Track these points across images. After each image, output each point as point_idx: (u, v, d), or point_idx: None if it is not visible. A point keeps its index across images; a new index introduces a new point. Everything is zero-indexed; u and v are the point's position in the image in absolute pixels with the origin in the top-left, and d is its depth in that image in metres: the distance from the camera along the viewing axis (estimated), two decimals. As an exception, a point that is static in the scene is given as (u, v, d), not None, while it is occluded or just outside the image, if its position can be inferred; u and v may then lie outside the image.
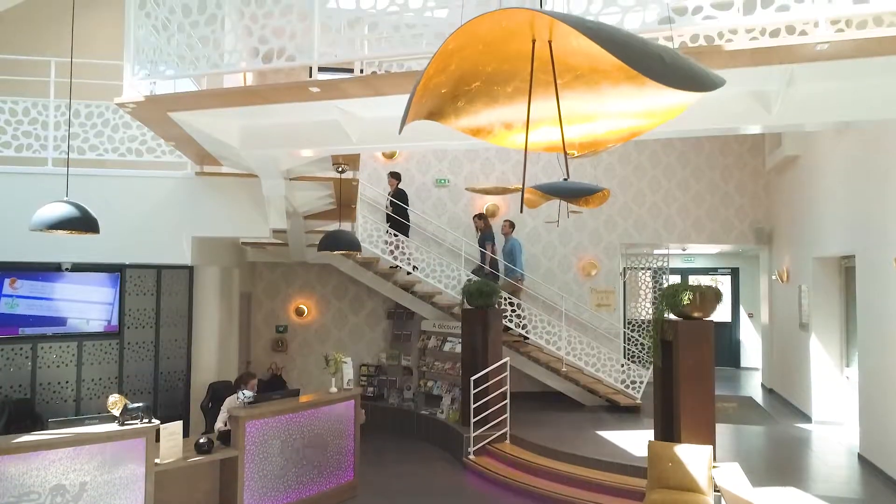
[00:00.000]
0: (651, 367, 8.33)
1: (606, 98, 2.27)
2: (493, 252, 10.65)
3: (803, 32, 3.18)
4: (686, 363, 6.58)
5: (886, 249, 6.97)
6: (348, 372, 7.41)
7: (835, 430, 8.94)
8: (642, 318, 14.13)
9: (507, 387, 8.68)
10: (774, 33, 3.55)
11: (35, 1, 7.05)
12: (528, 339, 10.21)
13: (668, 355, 6.85)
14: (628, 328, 13.36)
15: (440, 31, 3.87)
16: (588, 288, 11.84)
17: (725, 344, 15.48)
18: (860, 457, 7.61)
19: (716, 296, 6.76)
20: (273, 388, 10.64)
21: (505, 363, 8.76)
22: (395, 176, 10.70)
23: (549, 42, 2.06)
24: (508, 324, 9.95)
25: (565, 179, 4.78)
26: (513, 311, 10.08)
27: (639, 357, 12.15)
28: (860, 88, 3.74)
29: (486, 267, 10.44)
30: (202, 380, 7.91)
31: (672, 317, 6.90)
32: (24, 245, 6.35)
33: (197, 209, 6.57)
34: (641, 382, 10.33)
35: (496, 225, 11.12)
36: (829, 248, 8.93)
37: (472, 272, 10.33)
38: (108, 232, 6.32)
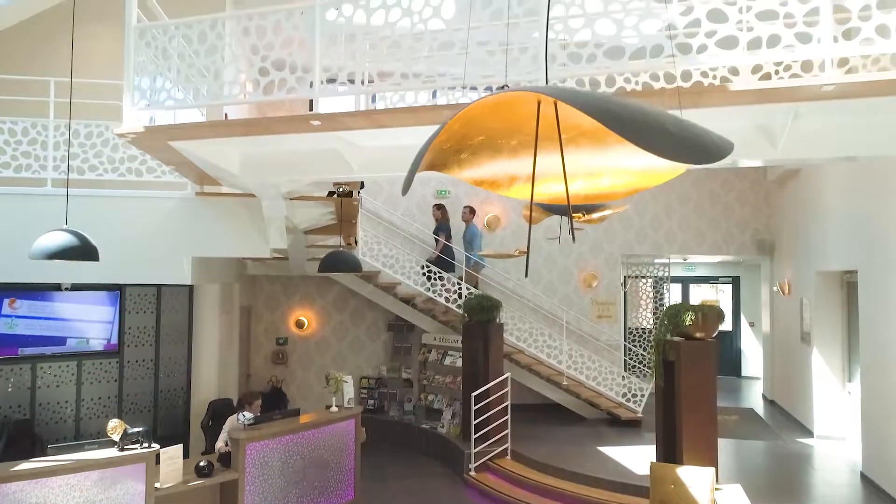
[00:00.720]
0: (652, 380, 8.31)
1: (611, 154, 2.25)
2: (448, 240, 10.50)
3: (809, 68, 3.15)
4: (688, 384, 6.55)
5: (889, 266, 6.96)
6: (349, 391, 7.39)
7: (837, 446, 8.92)
8: (643, 326, 14.15)
9: (509, 402, 8.65)
10: (778, 63, 3.53)
11: (34, 18, 7.02)
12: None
13: (670, 375, 6.82)
14: (629, 337, 13.39)
15: (442, 72, 3.83)
16: (589, 299, 11.81)
17: (726, 353, 15.45)
18: (863, 476, 7.58)
19: (718, 316, 6.73)
20: (274, 401, 10.64)
21: (506, 379, 8.73)
22: None
23: (555, 102, 2.03)
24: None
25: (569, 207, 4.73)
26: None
27: (639, 369, 12.13)
28: (867, 124, 3.71)
29: (438, 253, 10.22)
30: (202, 397, 7.89)
31: (674, 337, 6.87)
32: (24, 266, 6.28)
33: (197, 229, 6.54)
34: (643, 396, 10.30)
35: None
36: (831, 263, 8.91)
37: (427, 261, 10.15)
38: (108, 252, 6.27)
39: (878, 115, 3.64)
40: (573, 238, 1.98)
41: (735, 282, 15.83)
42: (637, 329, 14.18)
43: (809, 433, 9.55)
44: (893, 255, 6.89)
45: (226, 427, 6.70)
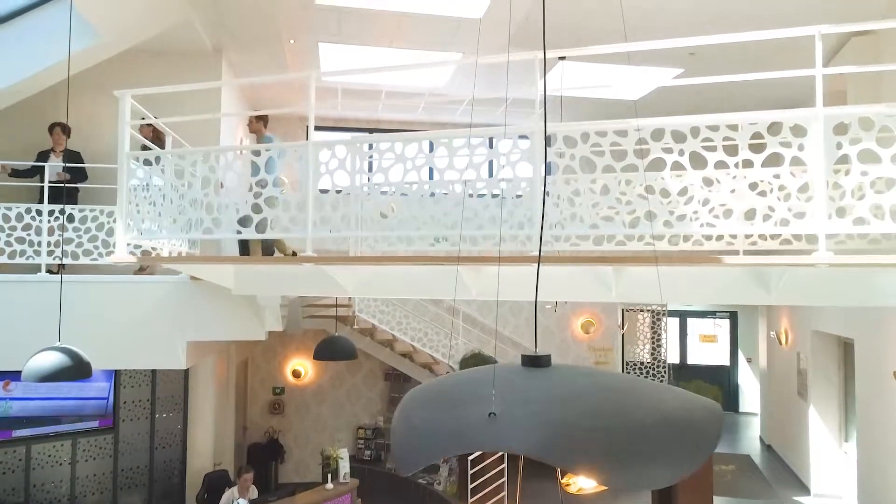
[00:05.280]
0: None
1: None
2: None
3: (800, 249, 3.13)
4: (684, 485, 6.52)
5: (887, 338, 6.95)
6: (344, 466, 7.39)
7: (833, 506, 8.92)
8: (641, 360, 14.21)
9: (505, 465, 8.63)
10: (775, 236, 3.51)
11: (28, 100, 6.96)
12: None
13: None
14: (626, 371, 13.45)
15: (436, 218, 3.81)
16: (586, 346, 11.80)
17: (724, 388, 15.48)
18: (859, 548, 7.59)
19: (714, 399, 6.73)
20: (270, 453, 10.63)
21: (502, 441, 8.71)
22: (64, 130, 7.10)
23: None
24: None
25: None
26: None
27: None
28: (861, 278, 3.71)
29: None
30: (198, 467, 7.85)
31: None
32: (18, 352, 6.28)
33: (191, 314, 6.49)
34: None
35: None
36: (829, 326, 8.89)
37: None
38: (102, 338, 6.26)
39: (873, 274, 3.64)
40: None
41: (733, 317, 15.82)
42: (635, 363, 14.22)
43: (806, 490, 9.54)
44: (890, 328, 6.90)
45: (223, 502, 6.71)
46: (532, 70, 3.51)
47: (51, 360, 4.59)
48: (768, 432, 12.42)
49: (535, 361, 2.04)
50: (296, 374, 11.17)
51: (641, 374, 14.09)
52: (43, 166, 6.67)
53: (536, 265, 2.20)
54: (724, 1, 6.70)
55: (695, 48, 8.20)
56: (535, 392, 1.85)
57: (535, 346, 2.10)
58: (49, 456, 6.92)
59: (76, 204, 6.81)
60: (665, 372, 14.38)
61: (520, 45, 7.71)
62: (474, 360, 9.10)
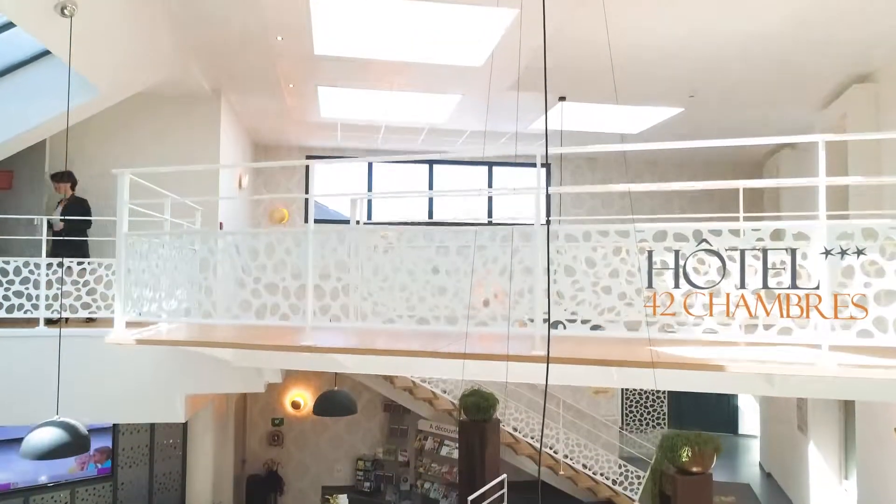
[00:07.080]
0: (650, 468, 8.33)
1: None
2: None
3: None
4: (685, 521, 6.54)
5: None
6: (344, 513, 7.37)
7: (834, 545, 8.91)
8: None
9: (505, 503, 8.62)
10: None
11: (23, 152, 6.94)
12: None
13: (667, 506, 6.81)
14: (625, 392, 13.50)
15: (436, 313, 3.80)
16: (586, 375, 11.78)
17: (723, 409, 15.47)
18: None
19: (715, 450, 6.75)
20: (270, 485, 10.61)
21: (503, 480, 8.69)
22: (68, 179, 6.85)
23: None
24: None
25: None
26: None
27: (636, 431, 12.12)
28: (860, 375, 3.70)
29: None
30: (197, 512, 7.84)
31: (671, 467, 6.86)
32: (17, 408, 6.26)
33: (191, 367, 6.45)
34: (640, 483, 10.28)
35: None
36: (828, 363, 8.88)
37: None
38: (100, 392, 6.25)
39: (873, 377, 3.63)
40: None
41: (732, 338, 15.80)
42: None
43: (807, 525, 9.54)
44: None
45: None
46: (530, 110, 3.51)
47: (49, 436, 4.56)
48: (768, 459, 12.41)
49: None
50: (295, 406, 11.13)
51: (640, 397, 14.13)
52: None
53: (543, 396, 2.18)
54: (720, 45, 6.65)
55: (695, 90, 8.20)
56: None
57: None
58: (47, 507, 6.91)
59: (86, 256, 6.80)
60: (664, 394, 14.37)
61: (521, 87, 7.69)
62: (474, 397, 9.07)
